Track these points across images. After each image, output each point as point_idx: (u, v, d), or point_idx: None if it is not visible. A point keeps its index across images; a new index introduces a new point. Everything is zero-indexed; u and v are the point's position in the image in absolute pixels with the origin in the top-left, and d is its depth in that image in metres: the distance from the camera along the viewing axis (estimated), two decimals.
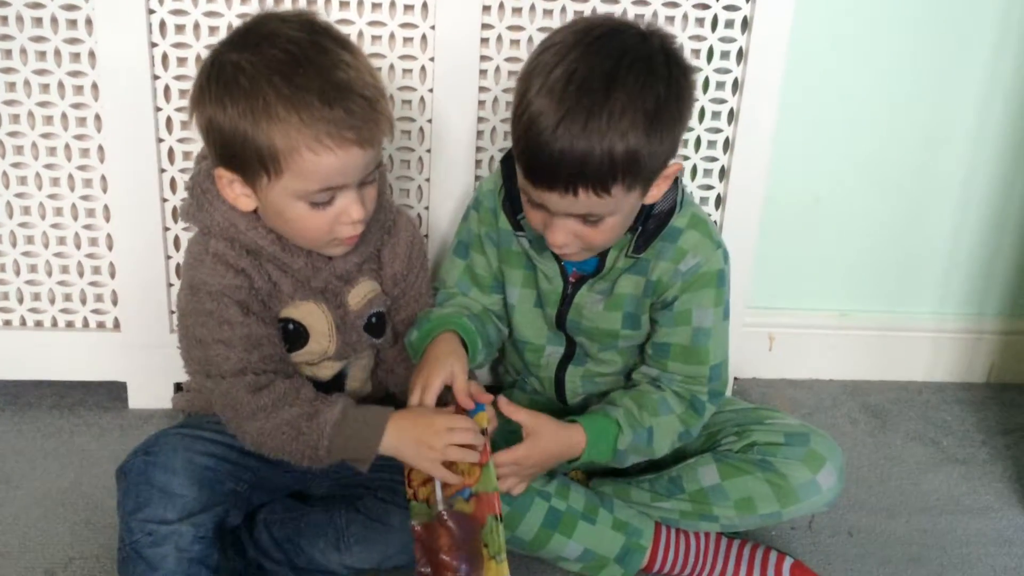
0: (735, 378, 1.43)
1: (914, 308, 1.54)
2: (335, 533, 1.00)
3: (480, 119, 1.22)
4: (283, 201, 0.89)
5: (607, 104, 0.85)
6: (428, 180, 1.26)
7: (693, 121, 1.27)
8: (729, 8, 1.22)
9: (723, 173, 1.30)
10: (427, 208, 1.27)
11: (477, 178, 1.25)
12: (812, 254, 1.48)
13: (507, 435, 0.98)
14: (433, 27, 1.17)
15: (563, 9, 1.19)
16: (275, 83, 0.84)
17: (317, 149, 0.85)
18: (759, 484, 1.00)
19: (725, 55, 1.24)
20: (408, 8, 1.17)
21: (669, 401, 1.03)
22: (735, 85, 1.25)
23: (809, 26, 1.31)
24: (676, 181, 1.00)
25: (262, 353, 0.93)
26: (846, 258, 1.49)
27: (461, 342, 1.01)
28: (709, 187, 1.31)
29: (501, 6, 1.18)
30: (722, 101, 1.26)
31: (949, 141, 1.44)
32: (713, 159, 1.29)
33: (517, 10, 1.19)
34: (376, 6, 1.17)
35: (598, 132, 0.85)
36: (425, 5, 1.17)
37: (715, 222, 1.31)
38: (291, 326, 0.98)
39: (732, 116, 1.27)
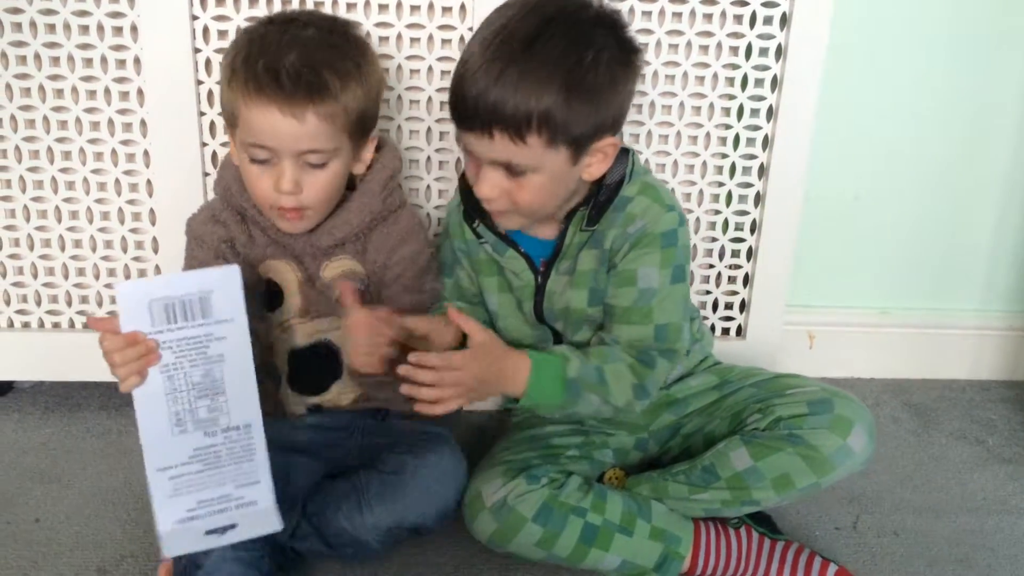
0: None
1: (957, 305, 1.52)
2: (356, 495, 1.00)
3: None
4: (239, 153, 1.00)
5: (525, 58, 0.91)
6: None
7: (732, 118, 1.26)
8: (768, 4, 1.21)
9: (762, 171, 1.29)
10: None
11: None
12: (852, 251, 1.47)
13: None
14: (471, 28, 1.18)
15: None
16: (250, 48, 0.96)
17: (248, 102, 0.95)
18: (792, 459, 0.99)
19: (764, 52, 1.23)
20: (446, 10, 1.18)
21: (617, 352, 1.04)
22: (774, 82, 1.25)
23: (849, 22, 1.29)
24: (628, 153, 1.04)
25: None
26: (887, 255, 1.48)
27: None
28: (748, 185, 1.30)
29: None
30: (761, 98, 1.25)
31: (991, 135, 1.42)
32: (752, 156, 1.29)
33: None
34: (415, 8, 1.18)
35: (512, 83, 0.91)
36: (463, 7, 1.17)
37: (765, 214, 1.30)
38: (268, 286, 1.07)
39: (771, 113, 1.26)
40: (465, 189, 1.07)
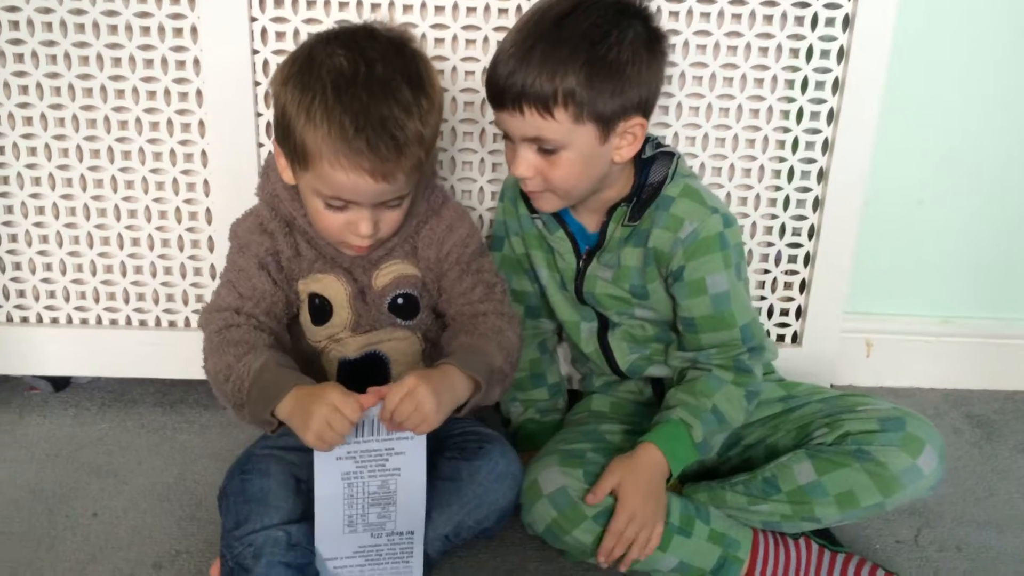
0: (831, 385, 1.38)
1: (1020, 314, 1.48)
2: None
3: None
4: (306, 192, 0.98)
5: (553, 37, 0.95)
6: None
7: (791, 122, 1.24)
8: (830, 6, 1.19)
9: (821, 175, 1.27)
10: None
11: None
12: (913, 258, 1.44)
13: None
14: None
15: None
16: (327, 91, 0.90)
17: (333, 164, 0.91)
18: (858, 475, 0.97)
19: (825, 54, 1.21)
20: (502, 12, 1.17)
21: (717, 375, 1.06)
22: (835, 85, 1.22)
23: (912, 24, 1.27)
24: (672, 156, 1.06)
25: (255, 306, 1.00)
26: (949, 262, 1.44)
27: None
28: (807, 189, 1.28)
29: None
30: (821, 101, 1.23)
31: None
32: (811, 160, 1.26)
33: None
34: (471, 10, 1.17)
35: (538, 59, 0.95)
36: (519, 8, 1.17)
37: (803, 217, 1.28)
38: (317, 300, 1.05)
39: (831, 117, 1.24)
40: None
